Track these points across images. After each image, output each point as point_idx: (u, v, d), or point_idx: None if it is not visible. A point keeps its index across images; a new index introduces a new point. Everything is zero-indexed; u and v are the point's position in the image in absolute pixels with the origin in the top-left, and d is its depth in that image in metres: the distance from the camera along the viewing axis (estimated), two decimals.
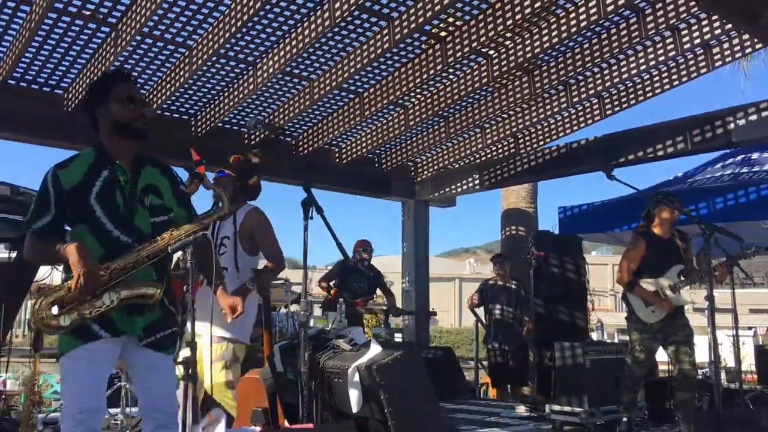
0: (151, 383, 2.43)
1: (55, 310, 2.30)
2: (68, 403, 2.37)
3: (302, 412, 2.38)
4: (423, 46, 5.65)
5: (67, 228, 2.51)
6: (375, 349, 2.71)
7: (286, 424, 2.80)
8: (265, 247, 3.62)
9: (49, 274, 4.18)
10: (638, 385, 4.85)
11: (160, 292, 2.30)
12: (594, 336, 6.61)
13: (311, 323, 4.04)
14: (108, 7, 4.75)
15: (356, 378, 2.64)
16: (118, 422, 4.68)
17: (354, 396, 2.63)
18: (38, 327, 2.33)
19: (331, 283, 6.54)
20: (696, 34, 5.38)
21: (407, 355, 2.72)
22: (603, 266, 30.21)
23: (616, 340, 9.29)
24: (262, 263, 3.57)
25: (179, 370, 2.16)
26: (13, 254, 3.72)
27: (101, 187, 2.41)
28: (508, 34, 5.46)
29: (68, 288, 2.29)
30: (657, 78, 6.22)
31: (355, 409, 2.59)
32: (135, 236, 2.42)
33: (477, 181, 7.91)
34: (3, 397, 4.90)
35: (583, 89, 6.35)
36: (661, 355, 5.40)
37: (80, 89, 5.60)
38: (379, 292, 7.06)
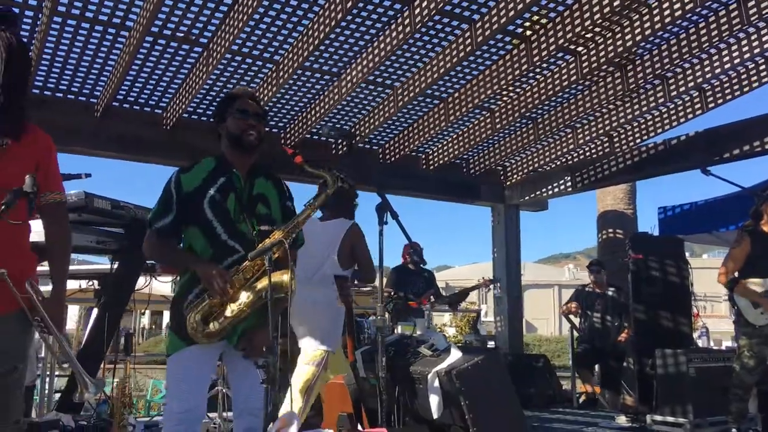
0: (245, 387, 2.56)
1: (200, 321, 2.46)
2: (171, 402, 2.56)
3: (381, 417, 2.37)
4: (507, 46, 5.55)
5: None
6: (455, 355, 2.67)
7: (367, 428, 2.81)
8: (363, 261, 3.92)
9: (147, 284, 4.43)
10: (748, 394, 4.52)
11: (292, 279, 2.37)
12: (700, 343, 6.22)
13: (399, 329, 4.03)
14: (199, 28, 4.98)
15: (436, 383, 2.61)
16: (216, 426, 4.84)
17: (434, 402, 2.60)
18: (198, 340, 2.49)
19: (391, 292, 6.58)
20: None
21: (488, 360, 2.65)
22: (715, 270, 28.44)
23: (724, 347, 8.69)
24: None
25: (261, 374, 2.21)
26: (115, 266, 3.94)
27: (216, 192, 2.59)
28: (597, 29, 5.26)
29: (208, 297, 2.46)
30: (763, 67, 5.79)
31: (435, 415, 2.56)
32: (241, 241, 2.56)
33: (569, 184, 7.66)
34: (110, 404, 5.20)
35: (681, 82, 6.01)
36: None
37: (178, 108, 5.90)
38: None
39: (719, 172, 4.55)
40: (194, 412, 2.53)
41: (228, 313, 2.45)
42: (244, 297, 2.45)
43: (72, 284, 6.21)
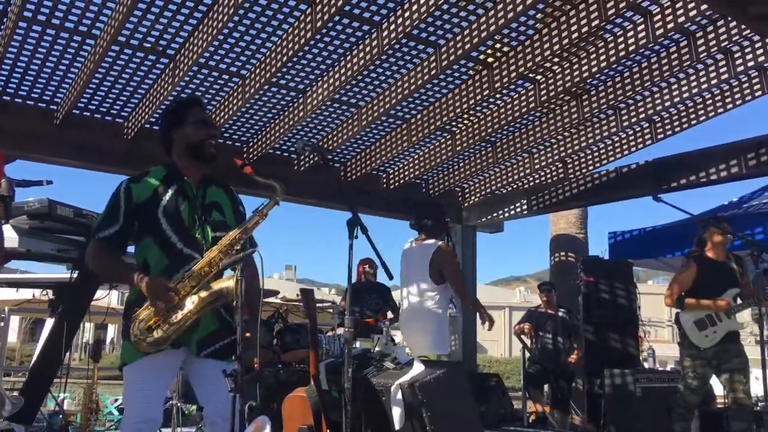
0: (215, 392, 2.53)
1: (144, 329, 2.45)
2: (128, 412, 2.53)
3: (345, 429, 2.42)
4: (470, 72, 5.72)
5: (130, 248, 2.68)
6: (418, 368, 2.74)
7: None
8: (450, 281, 4.45)
9: (107, 295, 4.38)
10: (691, 414, 4.71)
11: (236, 284, 2.35)
12: (646, 365, 6.45)
13: (359, 344, 4.09)
14: (167, 39, 4.99)
15: (399, 396, 2.67)
16: None
17: (396, 414, 2.66)
18: (140, 350, 2.47)
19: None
20: (750, 56, 5.28)
21: (450, 373, 2.73)
22: (659, 296, 29.29)
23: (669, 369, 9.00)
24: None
25: (228, 383, 2.23)
26: (75, 274, 3.89)
27: (168, 201, 2.57)
28: (556, 59, 5.48)
29: (152, 305, 2.44)
30: (710, 101, 6.11)
31: (397, 427, 2.62)
32: (197, 249, 2.57)
33: (525, 206, 7.87)
34: (61, 415, 5.09)
35: (633, 113, 6.28)
36: (718, 388, 5.24)
37: (140, 119, 5.86)
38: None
39: (667, 199, 4.76)
40: (152, 422, 2.51)
41: (173, 319, 2.44)
42: (190, 303, 2.46)
43: (24, 293, 6.09)
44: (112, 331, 31.38)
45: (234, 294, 2.32)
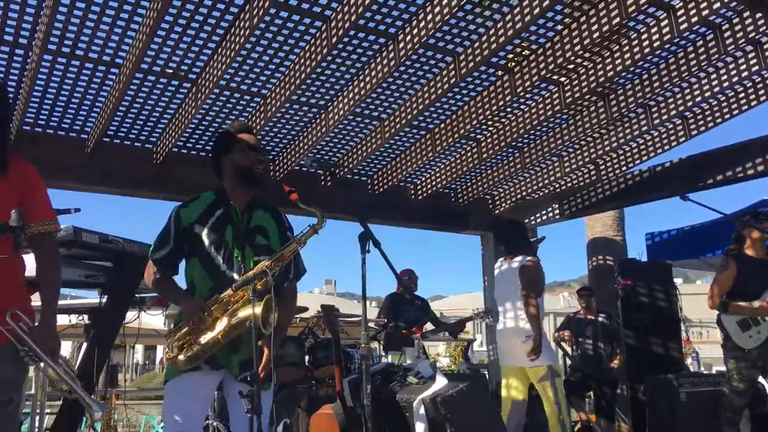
0: (242, 418, 2.50)
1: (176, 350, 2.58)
2: (167, 428, 2.59)
3: None
4: (491, 78, 5.66)
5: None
6: (441, 382, 2.69)
7: None
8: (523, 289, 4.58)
9: (136, 318, 4.43)
10: (739, 417, 4.52)
11: (267, 312, 2.42)
12: (691, 368, 6.24)
13: (389, 358, 4.05)
14: (188, 64, 5.06)
15: (422, 411, 2.62)
16: None
17: (420, 429, 2.61)
18: (173, 368, 2.60)
19: (387, 319, 6.57)
20: None
21: (473, 387, 2.67)
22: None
23: (714, 371, 8.69)
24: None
25: (245, 404, 2.23)
26: (104, 299, 3.95)
27: (214, 224, 2.70)
28: (579, 60, 5.38)
29: (185, 324, 2.56)
30: (742, 94, 5.93)
31: None
32: (239, 272, 2.64)
33: (557, 211, 7.74)
34: None
35: (664, 110, 6.12)
36: None
37: (167, 143, 5.96)
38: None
39: (703, 197, 4.62)
40: None
41: (201, 340, 2.52)
42: (219, 327, 2.52)
43: (63, 319, 6.20)
44: (160, 351, 31.97)
45: (258, 321, 2.34)
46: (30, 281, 2.54)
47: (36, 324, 2.36)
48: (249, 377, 2.25)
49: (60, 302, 2.76)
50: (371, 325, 8.32)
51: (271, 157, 6.77)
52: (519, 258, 4.79)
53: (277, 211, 2.88)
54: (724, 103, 6.06)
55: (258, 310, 2.39)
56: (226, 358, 2.60)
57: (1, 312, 2.19)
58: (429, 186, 7.53)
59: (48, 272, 2.46)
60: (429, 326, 6.97)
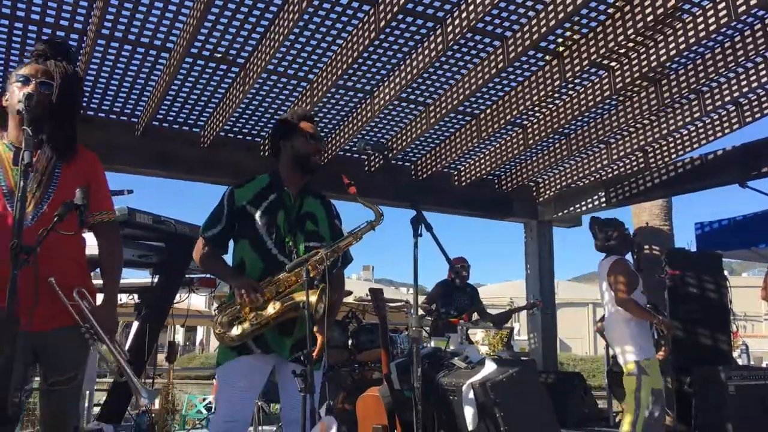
0: (293, 399, 2.59)
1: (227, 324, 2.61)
2: (219, 410, 2.66)
3: (416, 428, 2.39)
4: (539, 62, 5.57)
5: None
6: (490, 367, 2.68)
7: None
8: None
9: (187, 297, 4.53)
10: None
11: (320, 301, 2.47)
12: (740, 361, 6.09)
13: (432, 344, 4.05)
14: (236, 48, 5.11)
15: (471, 395, 2.62)
16: None
17: (469, 413, 2.61)
18: (223, 343, 2.64)
19: (433, 306, 6.58)
20: None
21: (523, 372, 2.65)
22: (755, 288, 27.72)
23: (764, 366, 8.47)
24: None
25: (298, 383, 2.26)
26: (155, 279, 4.04)
27: (267, 207, 2.74)
28: (631, 44, 5.25)
29: (237, 302, 2.58)
30: None
31: (470, 427, 2.56)
32: (289, 256, 2.69)
33: (603, 199, 7.60)
34: (149, 415, 5.29)
35: (717, 96, 5.94)
36: None
37: (215, 127, 6.04)
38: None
39: (759, 186, 4.49)
40: (240, 421, 2.63)
41: (254, 319, 2.55)
42: (271, 308, 2.56)
43: None
44: (201, 332, 32.62)
45: (313, 307, 2.38)
46: (89, 260, 2.61)
47: (98, 304, 2.42)
48: (302, 356, 2.28)
49: None
50: (404, 310, 8.36)
51: None
52: (613, 256, 4.80)
53: (327, 200, 2.93)
54: None
55: (313, 297, 2.43)
56: (277, 341, 2.64)
57: (69, 289, 2.26)
58: (473, 172, 7.48)
59: (112, 257, 2.54)
60: (475, 315, 6.97)
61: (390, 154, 6.75)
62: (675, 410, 5.86)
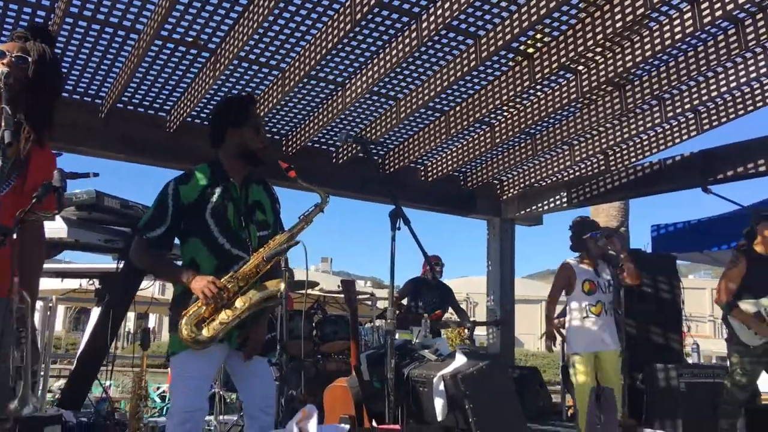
0: (253, 387, 2.63)
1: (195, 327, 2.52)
2: (176, 400, 2.60)
3: (388, 417, 2.43)
4: (510, 63, 5.65)
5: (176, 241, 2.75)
6: (460, 360, 2.73)
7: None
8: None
9: (152, 284, 4.47)
10: (738, 411, 4.60)
11: (284, 287, 2.43)
12: (690, 360, 6.32)
13: (396, 336, 4.09)
14: (208, 33, 5.05)
15: (441, 387, 2.67)
16: (212, 428, 4.87)
17: (439, 405, 2.66)
18: (192, 347, 2.53)
19: (403, 300, 6.62)
20: None
21: (493, 365, 2.71)
22: (701, 290, 28.70)
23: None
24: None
25: (274, 371, 2.27)
26: (121, 264, 3.98)
27: (216, 203, 2.63)
28: (598, 49, 5.37)
29: (202, 303, 2.49)
30: (758, 91, 5.93)
31: (440, 418, 2.61)
32: (244, 249, 2.64)
33: (565, 200, 7.77)
34: (108, 402, 5.22)
35: (678, 104, 6.12)
36: (763, 385, 5.11)
37: (182, 112, 5.95)
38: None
39: (716, 190, 4.65)
40: (198, 410, 2.58)
41: (223, 318, 2.49)
42: (240, 303, 2.51)
43: (70, 283, 6.24)
44: (152, 320, 32.05)
45: (280, 296, 2.37)
46: (49, 243, 2.53)
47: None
48: (279, 348, 2.28)
49: (72, 266, 2.77)
50: (368, 303, 8.39)
51: (284, 131, 6.77)
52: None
53: (268, 185, 2.86)
54: (739, 100, 6.06)
55: (282, 285, 2.43)
56: (225, 332, 2.57)
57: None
58: (439, 168, 7.55)
59: (40, 258, 2.38)
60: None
61: (369, 148, 6.74)
62: (626, 406, 6.03)
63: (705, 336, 29.48)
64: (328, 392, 3.55)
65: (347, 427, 1.70)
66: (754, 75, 5.48)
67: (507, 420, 2.68)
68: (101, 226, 3.75)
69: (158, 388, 8.47)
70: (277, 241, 2.59)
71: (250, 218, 2.69)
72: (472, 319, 8.04)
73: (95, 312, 4.22)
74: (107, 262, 4.54)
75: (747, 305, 4.42)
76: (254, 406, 2.62)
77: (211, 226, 2.60)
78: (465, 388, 2.53)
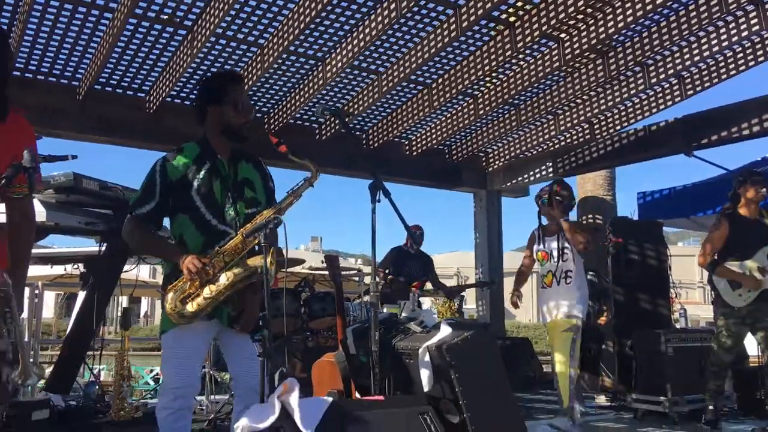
0: (243, 364, 2.64)
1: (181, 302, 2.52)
2: (167, 378, 2.61)
3: (374, 390, 2.42)
4: (491, 32, 5.59)
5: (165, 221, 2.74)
6: (445, 330, 2.72)
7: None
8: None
9: (134, 267, 4.43)
10: (725, 372, 4.65)
11: (272, 264, 2.41)
12: (678, 325, 6.36)
13: (385, 310, 4.09)
14: (184, 10, 4.95)
15: (427, 358, 2.66)
16: (204, 408, 4.87)
17: (425, 376, 2.65)
18: (175, 321, 2.54)
19: (386, 271, 6.59)
20: None
21: (478, 335, 2.71)
22: (690, 257, 28.93)
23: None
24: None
25: (257, 348, 2.26)
26: (103, 247, 3.93)
27: (203, 180, 2.62)
28: (580, 16, 5.32)
29: (186, 279, 2.49)
30: (741, 54, 5.91)
31: (426, 389, 2.61)
32: (231, 226, 2.62)
33: (551, 169, 7.76)
34: (98, 385, 5.20)
35: (661, 70, 6.10)
36: (752, 348, 5.17)
37: (161, 92, 5.86)
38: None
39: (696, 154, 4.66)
40: (189, 387, 2.59)
41: (207, 293, 2.49)
42: (224, 279, 2.50)
43: (57, 269, 6.20)
44: (145, 304, 32.02)
45: (262, 271, 2.34)
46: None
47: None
48: (262, 324, 2.27)
49: (55, 250, 2.73)
50: (355, 279, 8.38)
51: (265, 109, 6.69)
52: None
53: (259, 162, 2.84)
54: (722, 64, 6.04)
55: (259, 261, 2.40)
56: (217, 309, 2.58)
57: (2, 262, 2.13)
58: (424, 142, 7.51)
59: (28, 233, 2.34)
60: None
61: (348, 120, 6.68)
62: (616, 372, 6.09)
63: (695, 302, 29.83)
64: (315, 367, 3.55)
65: (329, 399, 1.69)
66: (735, 39, 5.46)
67: (494, 389, 2.68)
68: (81, 209, 3.70)
69: (151, 371, 8.47)
70: (264, 216, 2.56)
71: (238, 195, 2.67)
72: (461, 294, 8.05)
73: (81, 296, 4.18)
74: (92, 246, 4.49)
75: (732, 267, 4.44)
76: (241, 385, 2.64)
77: (197, 202, 2.60)
78: (450, 358, 2.53)
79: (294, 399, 1.65)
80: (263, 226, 2.40)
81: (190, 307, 2.50)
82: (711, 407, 4.51)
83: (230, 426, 3.14)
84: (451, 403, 2.59)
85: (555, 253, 4.62)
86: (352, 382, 3.12)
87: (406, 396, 2.67)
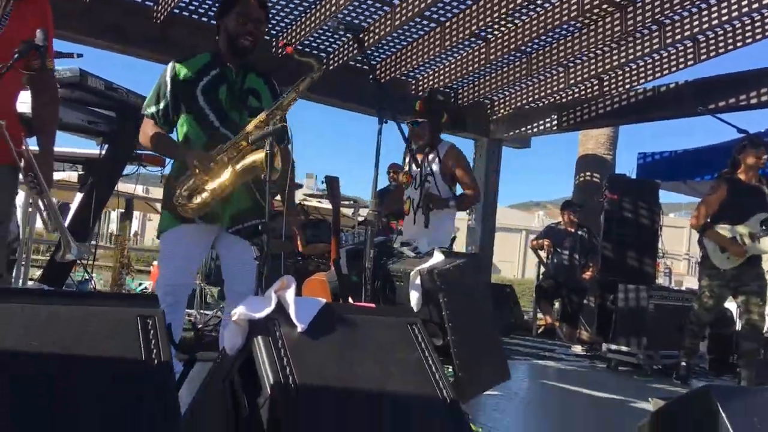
0: (235, 269, 2.72)
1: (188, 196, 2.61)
2: (161, 275, 2.69)
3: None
4: None
5: None
6: (438, 257, 2.78)
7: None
8: (463, 178, 4.20)
9: (135, 171, 4.44)
10: (702, 332, 4.79)
11: (266, 157, 2.43)
12: (661, 281, 6.51)
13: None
14: None
15: (417, 281, 2.73)
16: (193, 319, 4.97)
17: (414, 298, 2.73)
18: (182, 213, 2.62)
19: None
20: None
21: (470, 263, 2.77)
22: (680, 229, 29.18)
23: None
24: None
25: (254, 251, 2.31)
26: (104, 150, 3.93)
27: (209, 82, 2.70)
28: None
29: (192, 173, 2.56)
30: (759, 22, 5.83)
31: (414, 309, 2.69)
32: (233, 129, 2.66)
33: (555, 122, 7.73)
34: (91, 283, 5.26)
35: (678, 30, 6.01)
36: None
37: (170, 3, 5.75)
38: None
39: (705, 122, 4.66)
40: (183, 285, 2.71)
41: (210, 188, 2.54)
42: (226, 174, 2.55)
43: (55, 175, 6.18)
44: (135, 224, 32.08)
45: (263, 167, 2.36)
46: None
47: (36, 154, 2.35)
48: (243, 228, 2.31)
49: (55, 149, 2.75)
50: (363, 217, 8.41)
51: (274, 32, 6.58)
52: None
53: (270, 79, 2.88)
54: (739, 30, 5.96)
55: (259, 156, 2.42)
56: (218, 209, 2.64)
57: (13, 133, 2.18)
58: (431, 83, 7.43)
59: (51, 109, 2.47)
60: None
61: (364, 36, 6.53)
62: (595, 323, 6.25)
63: (680, 273, 30.21)
64: (306, 285, 3.62)
65: (324, 300, 1.74)
66: (756, 5, 5.38)
67: (479, 318, 2.76)
68: (84, 108, 3.68)
69: (140, 285, 8.58)
70: (266, 112, 2.58)
71: (241, 102, 2.73)
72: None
73: (78, 196, 4.19)
74: (92, 149, 4.46)
75: (723, 231, 4.51)
76: (232, 289, 2.73)
77: (201, 102, 2.67)
78: (440, 282, 2.59)
79: (290, 295, 1.70)
80: (270, 133, 2.41)
81: (196, 199, 2.57)
82: (684, 363, 4.65)
83: (219, 334, 3.24)
84: (437, 326, 2.67)
85: (418, 177, 4.27)
86: (342, 301, 3.19)
87: (396, 307, 2.75)
